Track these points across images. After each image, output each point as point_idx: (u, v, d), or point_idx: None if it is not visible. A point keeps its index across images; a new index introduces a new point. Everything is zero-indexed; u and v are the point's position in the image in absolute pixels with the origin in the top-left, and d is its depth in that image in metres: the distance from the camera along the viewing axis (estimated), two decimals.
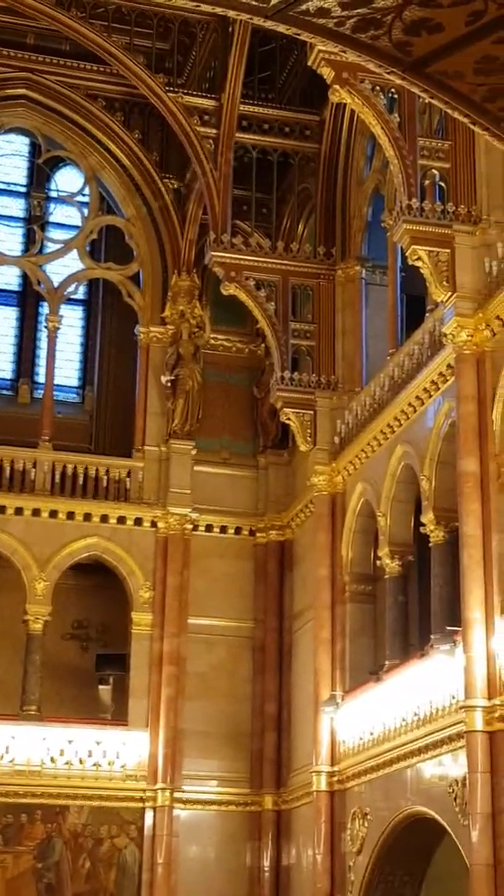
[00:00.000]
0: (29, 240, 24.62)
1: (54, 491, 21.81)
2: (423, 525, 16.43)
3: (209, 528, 22.44)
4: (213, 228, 20.47)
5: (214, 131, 20.91)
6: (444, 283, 15.59)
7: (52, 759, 20.61)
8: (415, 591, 18.07)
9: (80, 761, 20.72)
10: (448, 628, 15.19)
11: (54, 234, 24.83)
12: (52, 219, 25.11)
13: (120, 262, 23.90)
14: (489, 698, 14.01)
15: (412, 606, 17.98)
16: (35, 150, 24.90)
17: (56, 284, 23.69)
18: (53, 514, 21.66)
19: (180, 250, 23.22)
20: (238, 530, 22.63)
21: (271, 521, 22.48)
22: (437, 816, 15.28)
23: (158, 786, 20.65)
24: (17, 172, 25.60)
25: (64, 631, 22.34)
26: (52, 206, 25.16)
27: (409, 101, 16.18)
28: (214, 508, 22.46)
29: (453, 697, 14.83)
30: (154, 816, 20.59)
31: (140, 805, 20.69)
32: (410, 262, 16.15)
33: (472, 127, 4.60)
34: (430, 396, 16.66)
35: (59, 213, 25.20)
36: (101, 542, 21.83)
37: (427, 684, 15.67)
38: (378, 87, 16.25)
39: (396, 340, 18.62)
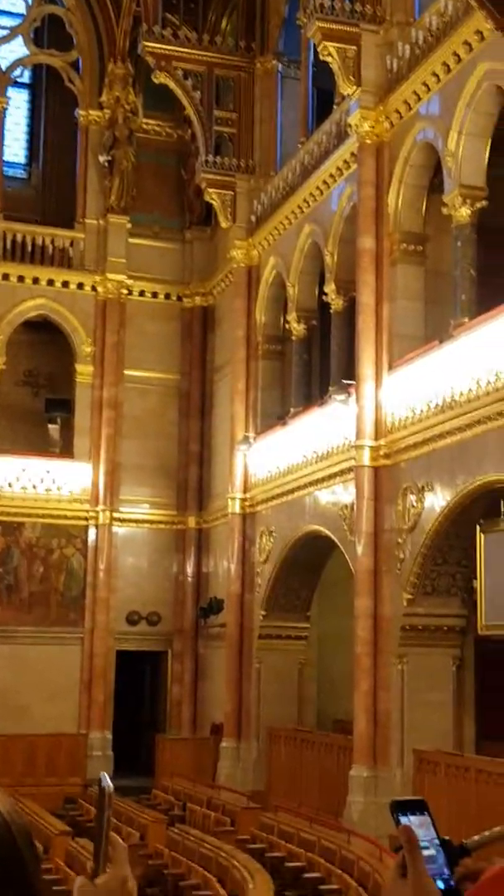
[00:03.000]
0: None
1: (6, 257, 21.06)
2: (326, 294, 16.24)
3: (142, 293, 21.98)
4: (145, 20, 19.10)
5: None
6: (351, 77, 14.83)
7: (10, 485, 20.72)
8: (317, 351, 18.04)
9: (33, 487, 20.85)
10: (344, 381, 15.25)
11: (1, 20, 22.96)
12: None
13: (61, 49, 22.34)
14: (376, 439, 14.26)
15: (314, 363, 17.98)
16: None
17: (3, 68, 22.11)
18: (6, 276, 20.99)
19: (116, 40, 21.73)
20: (167, 296, 22.20)
21: (196, 289, 22.05)
22: (329, 534, 15.78)
23: (100, 507, 20.96)
24: None
25: (17, 378, 22.00)
26: None
27: None
28: (146, 276, 21.93)
29: (346, 438, 15.06)
30: (97, 532, 20.99)
31: (84, 523, 21.04)
32: (321, 58, 15.26)
33: None
34: (335, 181, 16.14)
35: (4, 1, 23.18)
36: (48, 303, 21.29)
37: (325, 428, 15.86)
38: None
39: (307, 130, 17.85)
